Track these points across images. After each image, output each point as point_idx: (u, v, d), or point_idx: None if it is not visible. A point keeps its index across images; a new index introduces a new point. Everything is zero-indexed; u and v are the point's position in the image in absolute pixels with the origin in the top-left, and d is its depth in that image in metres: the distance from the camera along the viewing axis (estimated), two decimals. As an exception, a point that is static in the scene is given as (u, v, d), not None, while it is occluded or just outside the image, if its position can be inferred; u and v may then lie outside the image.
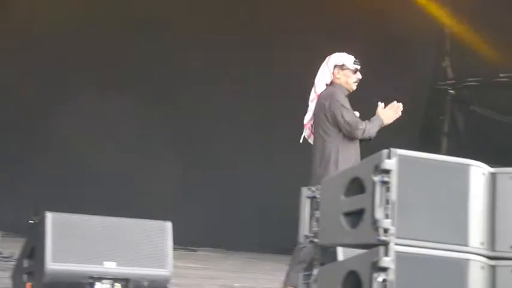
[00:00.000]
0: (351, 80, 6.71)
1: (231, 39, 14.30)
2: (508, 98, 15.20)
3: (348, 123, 6.53)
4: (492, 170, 4.42)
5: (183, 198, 14.33)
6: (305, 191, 4.70)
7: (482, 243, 4.31)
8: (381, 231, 4.12)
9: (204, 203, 14.69)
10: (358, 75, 6.73)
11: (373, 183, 4.18)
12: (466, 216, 4.28)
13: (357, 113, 6.73)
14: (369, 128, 6.58)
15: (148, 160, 14.30)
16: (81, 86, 13.48)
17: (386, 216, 4.14)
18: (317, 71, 6.80)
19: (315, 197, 4.66)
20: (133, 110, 13.82)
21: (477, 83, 16.20)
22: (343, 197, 4.45)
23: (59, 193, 12.56)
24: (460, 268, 4.23)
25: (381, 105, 6.73)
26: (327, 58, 6.79)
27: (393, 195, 4.16)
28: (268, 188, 15.03)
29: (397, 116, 6.76)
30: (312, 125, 6.77)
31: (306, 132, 6.84)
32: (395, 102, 6.75)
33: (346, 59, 6.73)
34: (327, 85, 6.71)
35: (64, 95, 13.38)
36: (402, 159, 4.21)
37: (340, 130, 6.57)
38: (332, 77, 6.70)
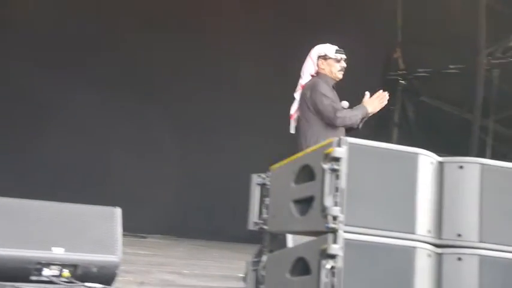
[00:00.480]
0: (335, 69, 6.74)
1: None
2: (457, 89, 15.38)
3: (327, 111, 6.55)
4: (440, 159, 4.46)
5: (134, 185, 14.28)
6: (255, 178, 4.71)
7: (429, 231, 4.35)
8: (330, 218, 4.13)
9: (154, 190, 14.66)
10: (342, 64, 6.77)
11: (323, 170, 4.19)
12: (414, 205, 4.31)
13: (346, 103, 6.75)
14: (349, 116, 6.59)
15: (100, 147, 14.22)
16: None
17: (336, 204, 4.16)
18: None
19: (265, 184, 4.67)
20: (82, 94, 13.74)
21: (427, 74, 16.38)
22: (293, 184, 4.46)
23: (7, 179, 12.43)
24: (407, 256, 4.25)
25: (367, 94, 6.74)
26: (311, 50, 6.84)
27: (342, 183, 4.17)
28: (219, 176, 15.05)
29: (383, 105, 6.79)
30: (297, 116, 6.79)
31: (291, 123, 6.85)
32: (381, 91, 6.78)
33: (328, 49, 6.78)
34: (312, 76, 6.76)
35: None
36: (352, 147, 4.22)
37: (322, 119, 6.60)
38: (317, 68, 6.76)
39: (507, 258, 4.40)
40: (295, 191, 4.44)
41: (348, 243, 4.14)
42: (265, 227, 4.65)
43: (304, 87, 6.74)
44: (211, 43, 14.78)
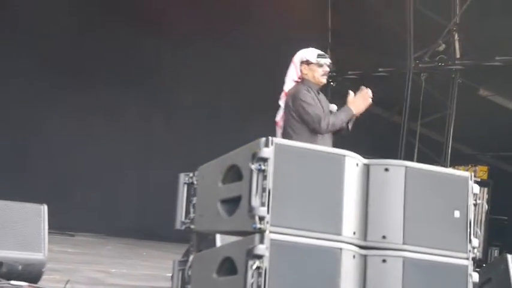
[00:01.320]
0: (318, 74, 6.66)
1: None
2: (387, 92, 15.54)
3: (311, 121, 6.50)
4: (366, 161, 4.51)
5: (62, 182, 14.14)
6: (182, 177, 4.70)
7: (354, 233, 4.39)
8: (257, 219, 4.15)
9: (83, 189, 14.53)
10: (325, 68, 6.68)
11: (251, 171, 4.20)
12: (340, 206, 4.35)
13: (334, 106, 6.73)
14: (333, 122, 6.52)
15: (27, 141, 14.05)
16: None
17: (263, 204, 4.17)
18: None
19: (192, 183, 4.67)
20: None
21: (357, 77, 16.52)
22: (220, 184, 4.47)
23: None
24: (332, 257, 4.29)
25: (350, 94, 6.69)
26: (294, 56, 6.78)
27: (270, 183, 4.19)
28: (148, 176, 14.99)
29: (367, 103, 6.72)
30: (282, 123, 6.75)
31: (277, 130, 6.80)
32: (363, 88, 6.72)
33: (309, 54, 6.71)
34: (296, 82, 6.70)
35: None
36: (279, 148, 4.25)
37: (307, 127, 6.55)
38: (300, 74, 6.70)
39: (430, 260, 4.48)
40: (223, 190, 4.45)
41: (274, 243, 4.16)
42: (192, 226, 4.64)
43: (287, 95, 6.68)
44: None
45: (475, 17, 14.48)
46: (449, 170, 4.79)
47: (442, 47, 14.93)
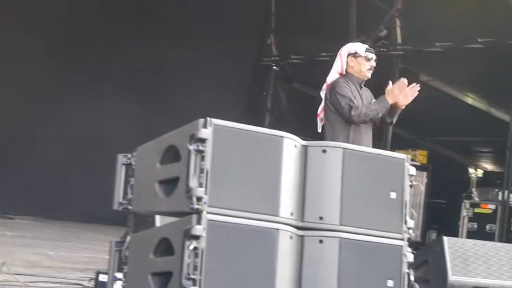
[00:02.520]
0: (364, 67, 6.59)
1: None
2: (327, 77, 15.62)
3: (343, 110, 6.45)
4: (304, 142, 4.53)
5: (1, 165, 13.97)
6: (120, 158, 4.67)
7: (292, 214, 4.41)
8: (194, 199, 4.14)
9: (23, 171, 14.37)
10: (372, 63, 6.62)
11: (189, 151, 4.19)
12: (278, 187, 4.35)
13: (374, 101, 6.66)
14: (365, 112, 6.44)
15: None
16: None
17: (200, 185, 4.16)
18: None
19: (130, 164, 4.64)
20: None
21: (300, 61, 16.58)
22: (158, 165, 4.45)
23: None
24: (270, 237, 4.30)
25: (389, 84, 6.60)
26: (341, 48, 6.72)
27: (208, 164, 4.19)
28: (90, 157, 14.86)
29: (405, 94, 6.55)
30: (322, 115, 6.70)
31: (318, 122, 6.75)
32: (401, 80, 6.61)
33: (359, 47, 6.66)
34: (340, 74, 6.64)
35: None
36: (218, 129, 4.24)
37: (342, 118, 6.50)
38: (345, 66, 6.64)
39: (366, 241, 4.52)
40: (161, 171, 4.43)
41: (212, 224, 4.16)
42: (129, 207, 4.62)
43: (327, 86, 6.64)
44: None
45: (417, 3, 14.61)
46: (386, 152, 4.82)
47: (384, 32, 15.05)
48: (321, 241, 4.44)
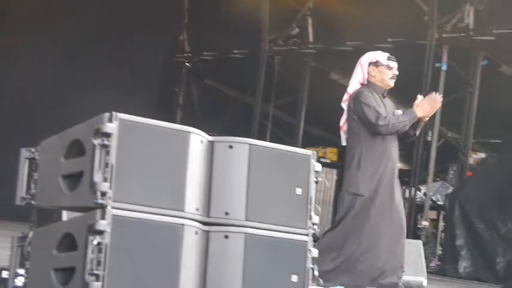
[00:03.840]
0: (387, 76, 6.52)
1: None
2: (240, 74, 15.69)
3: (370, 119, 6.36)
4: (210, 138, 4.53)
5: None
6: (24, 152, 4.59)
7: (197, 209, 4.40)
8: (99, 194, 4.09)
9: None
10: (394, 71, 6.55)
11: (93, 146, 4.15)
12: (183, 182, 4.34)
13: (399, 111, 6.58)
14: (394, 123, 6.36)
15: None
16: None
17: (105, 180, 4.12)
18: None
19: (34, 158, 4.57)
20: None
21: (212, 58, 16.59)
22: (62, 159, 4.39)
23: None
24: (174, 232, 4.28)
25: (419, 97, 6.55)
26: (361, 57, 6.64)
27: (112, 158, 4.15)
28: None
29: (434, 110, 6.56)
30: (346, 127, 6.62)
31: (342, 135, 6.67)
32: (433, 93, 6.57)
33: (379, 55, 6.58)
34: (362, 84, 6.56)
35: None
36: (123, 123, 4.20)
37: (367, 129, 6.42)
38: (367, 76, 6.55)
39: (271, 236, 4.54)
40: (65, 166, 4.37)
41: (116, 219, 4.12)
42: (33, 202, 4.55)
43: (350, 98, 6.55)
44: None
45: (328, 2, 14.77)
46: (293, 148, 4.84)
47: (296, 30, 15.17)
48: (226, 236, 4.45)
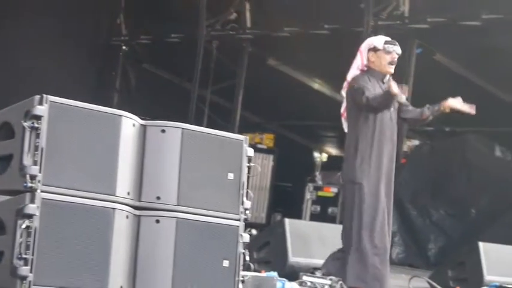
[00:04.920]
0: (385, 61, 6.45)
1: None
2: (178, 58, 15.63)
3: (358, 95, 6.34)
4: (143, 122, 4.51)
5: None
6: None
7: (128, 193, 4.39)
8: (28, 177, 4.06)
9: None
10: (393, 55, 6.46)
11: (23, 128, 4.11)
12: (115, 166, 4.33)
13: (404, 97, 6.56)
14: (373, 98, 6.28)
15: None
16: None
17: (35, 163, 4.09)
18: None
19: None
20: None
21: (149, 42, 16.49)
22: (-9, 142, 4.34)
23: None
24: (105, 217, 4.27)
25: (459, 99, 6.54)
26: (361, 45, 6.58)
27: (43, 141, 4.11)
28: None
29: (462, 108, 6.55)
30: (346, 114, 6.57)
31: (343, 121, 6.61)
32: (459, 98, 6.56)
33: (377, 40, 6.52)
34: (361, 70, 6.50)
35: None
36: (54, 106, 4.16)
37: (362, 112, 6.40)
38: (366, 62, 6.48)
39: (203, 221, 4.55)
40: (-6, 149, 4.32)
41: (46, 203, 4.10)
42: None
43: (348, 85, 6.51)
44: None
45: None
46: (225, 133, 4.84)
47: (234, 15, 15.15)
48: (157, 221, 4.45)
